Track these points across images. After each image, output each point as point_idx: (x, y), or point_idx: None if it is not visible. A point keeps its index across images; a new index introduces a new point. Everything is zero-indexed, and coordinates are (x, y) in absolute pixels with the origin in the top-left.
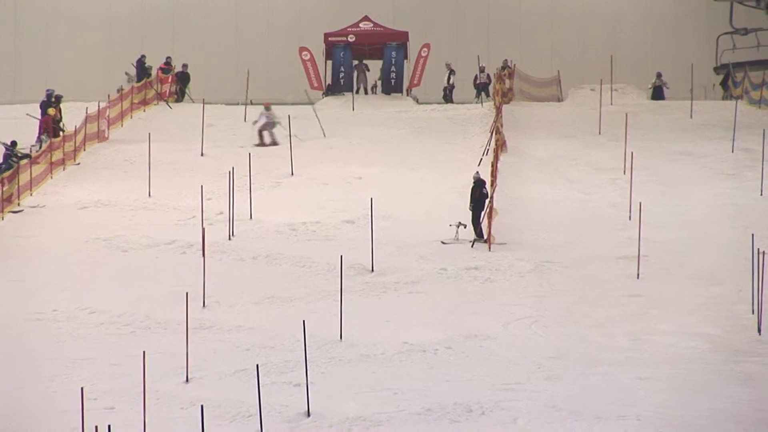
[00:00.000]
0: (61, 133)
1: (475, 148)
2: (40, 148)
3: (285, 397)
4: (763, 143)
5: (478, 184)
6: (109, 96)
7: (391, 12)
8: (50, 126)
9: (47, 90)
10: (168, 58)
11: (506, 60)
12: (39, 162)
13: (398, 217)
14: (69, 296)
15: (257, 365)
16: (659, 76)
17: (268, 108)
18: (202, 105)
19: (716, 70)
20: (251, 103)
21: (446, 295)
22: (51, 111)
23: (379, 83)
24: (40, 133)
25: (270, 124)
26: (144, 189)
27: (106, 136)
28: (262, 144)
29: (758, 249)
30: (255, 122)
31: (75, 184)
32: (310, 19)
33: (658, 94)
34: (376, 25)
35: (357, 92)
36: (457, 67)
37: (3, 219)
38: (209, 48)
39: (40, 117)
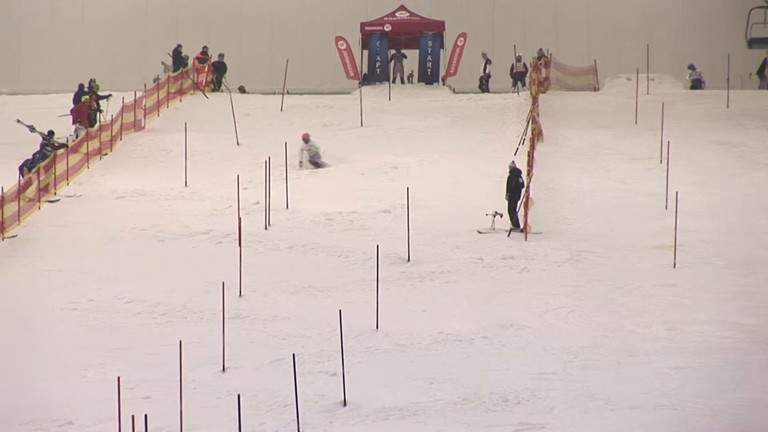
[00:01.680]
0: (96, 122)
1: (511, 138)
2: (77, 137)
3: (321, 387)
4: None
5: (514, 173)
6: (145, 85)
7: (427, 1)
8: (84, 115)
9: (90, 80)
10: (205, 47)
11: (541, 49)
12: (76, 151)
13: (434, 207)
14: (105, 286)
15: (293, 355)
16: (692, 67)
17: (306, 140)
18: (233, 94)
19: (749, 43)
20: (288, 93)
21: (482, 285)
22: (84, 98)
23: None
24: (74, 122)
25: (315, 155)
26: (180, 178)
27: (143, 125)
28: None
29: None
30: (300, 163)
31: (111, 173)
32: (346, 9)
33: (696, 86)
34: (412, 14)
35: (393, 82)
36: (493, 57)
37: (40, 208)
38: (244, 37)
39: (71, 106)
